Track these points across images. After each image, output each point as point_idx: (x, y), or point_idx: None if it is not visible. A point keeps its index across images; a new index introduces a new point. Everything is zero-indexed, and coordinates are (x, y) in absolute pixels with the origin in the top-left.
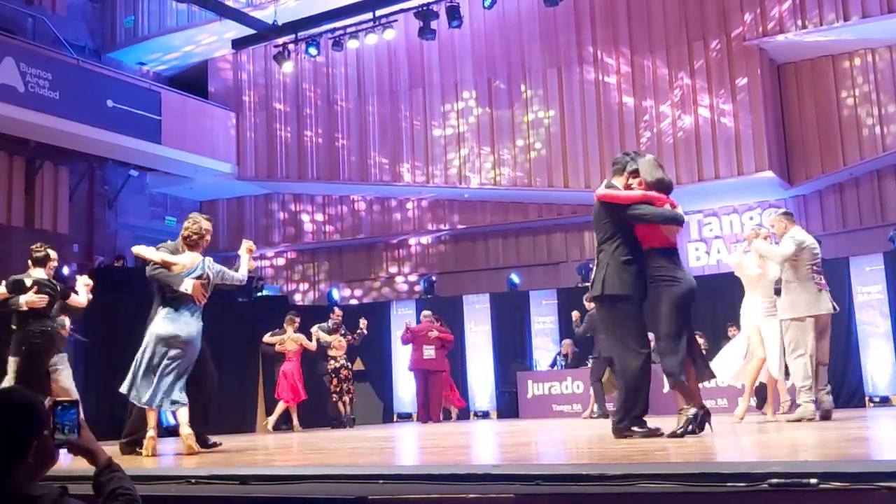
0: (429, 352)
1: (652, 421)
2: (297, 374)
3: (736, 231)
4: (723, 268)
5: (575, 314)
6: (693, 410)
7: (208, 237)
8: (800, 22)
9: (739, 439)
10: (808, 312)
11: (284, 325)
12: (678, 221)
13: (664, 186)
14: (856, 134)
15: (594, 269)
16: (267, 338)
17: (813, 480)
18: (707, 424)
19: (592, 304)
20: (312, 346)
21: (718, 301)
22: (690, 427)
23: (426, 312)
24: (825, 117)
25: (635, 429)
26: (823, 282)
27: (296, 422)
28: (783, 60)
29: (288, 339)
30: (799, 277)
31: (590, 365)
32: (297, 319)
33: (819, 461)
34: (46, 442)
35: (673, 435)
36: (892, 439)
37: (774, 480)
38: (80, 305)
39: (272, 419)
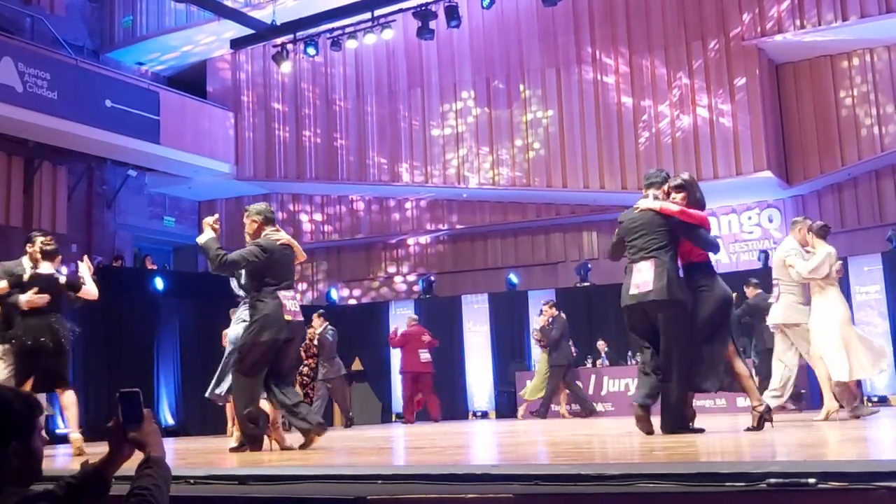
0: (425, 356)
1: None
2: None
3: (734, 231)
4: (721, 268)
5: (542, 320)
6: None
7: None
8: (798, 22)
9: (738, 439)
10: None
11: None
12: (717, 250)
13: (703, 205)
14: (854, 134)
15: (642, 272)
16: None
17: (811, 480)
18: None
19: (554, 310)
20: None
21: None
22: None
23: (413, 316)
24: (823, 117)
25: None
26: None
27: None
28: (782, 60)
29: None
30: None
31: (550, 372)
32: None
33: (817, 461)
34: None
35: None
36: (890, 439)
37: (773, 480)
38: (90, 297)
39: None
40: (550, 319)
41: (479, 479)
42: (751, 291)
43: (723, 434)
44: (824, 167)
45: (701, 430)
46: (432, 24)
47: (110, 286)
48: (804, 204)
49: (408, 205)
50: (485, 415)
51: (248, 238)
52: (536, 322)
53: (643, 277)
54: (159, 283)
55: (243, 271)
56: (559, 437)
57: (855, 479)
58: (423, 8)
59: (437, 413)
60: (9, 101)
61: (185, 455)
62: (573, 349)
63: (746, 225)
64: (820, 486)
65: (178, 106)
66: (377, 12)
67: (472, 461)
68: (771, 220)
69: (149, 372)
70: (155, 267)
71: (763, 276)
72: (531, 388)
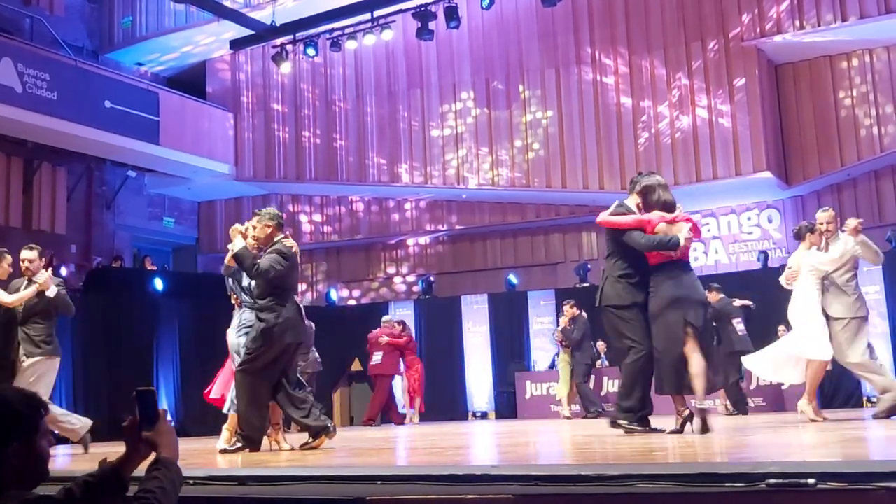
0: (376, 357)
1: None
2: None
3: (734, 231)
4: (721, 268)
5: (564, 321)
6: (686, 412)
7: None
8: (797, 22)
9: (738, 439)
10: None
11: None
12: (668, 249)
13: (665, 206)
14: (853, 134)
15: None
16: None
17: (811, 481)
18: (689, 425)
19: (575, 310)
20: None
21: None
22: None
23: (385, 318)
24: (823, 118)
25: (620, 421)
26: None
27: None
28: (781, 61)
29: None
30: None
31: (576, 369)
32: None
33: (817, 461)
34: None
35: (673, 432)
36: (889, 440)
37: (772, 481)
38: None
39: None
40: (571, 320)
41: (479, 480)
42: (713, 296)
43: (722, 434)
44: (824, 168)
45: (661, 431)
46: (432, 25)
47: (110, 287)
48: (804, 204)
49: (407, 205)
50: (484, 415)
51: (253, 242)
52: (559, 323)
53: None
54: (159, 284)
55: (245, 275)
56: (559, 437)
57: (854, 480)
58: (423, 9)
59: (372, 415)
60: (8, 102)
61: (185, 455)
62: (595, 349)
63: (746, 225)
64: (819, 486)
65: (177, 106)
66: (377, 13)
67: (471, 462)
68: (770, 221)
69: (148, 372)
70: (154, 267)
71: (762, 277)
72: (559, 390)
